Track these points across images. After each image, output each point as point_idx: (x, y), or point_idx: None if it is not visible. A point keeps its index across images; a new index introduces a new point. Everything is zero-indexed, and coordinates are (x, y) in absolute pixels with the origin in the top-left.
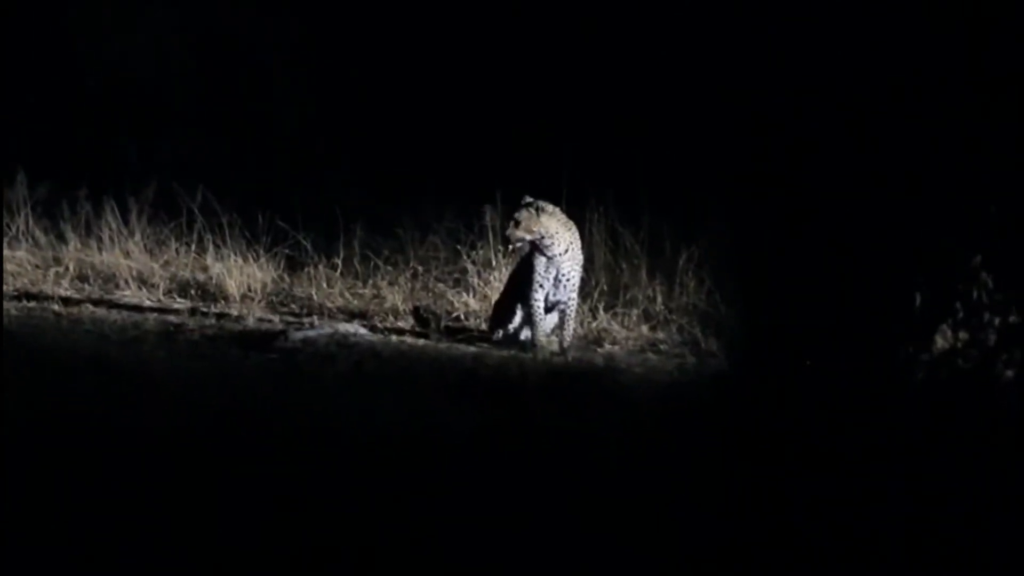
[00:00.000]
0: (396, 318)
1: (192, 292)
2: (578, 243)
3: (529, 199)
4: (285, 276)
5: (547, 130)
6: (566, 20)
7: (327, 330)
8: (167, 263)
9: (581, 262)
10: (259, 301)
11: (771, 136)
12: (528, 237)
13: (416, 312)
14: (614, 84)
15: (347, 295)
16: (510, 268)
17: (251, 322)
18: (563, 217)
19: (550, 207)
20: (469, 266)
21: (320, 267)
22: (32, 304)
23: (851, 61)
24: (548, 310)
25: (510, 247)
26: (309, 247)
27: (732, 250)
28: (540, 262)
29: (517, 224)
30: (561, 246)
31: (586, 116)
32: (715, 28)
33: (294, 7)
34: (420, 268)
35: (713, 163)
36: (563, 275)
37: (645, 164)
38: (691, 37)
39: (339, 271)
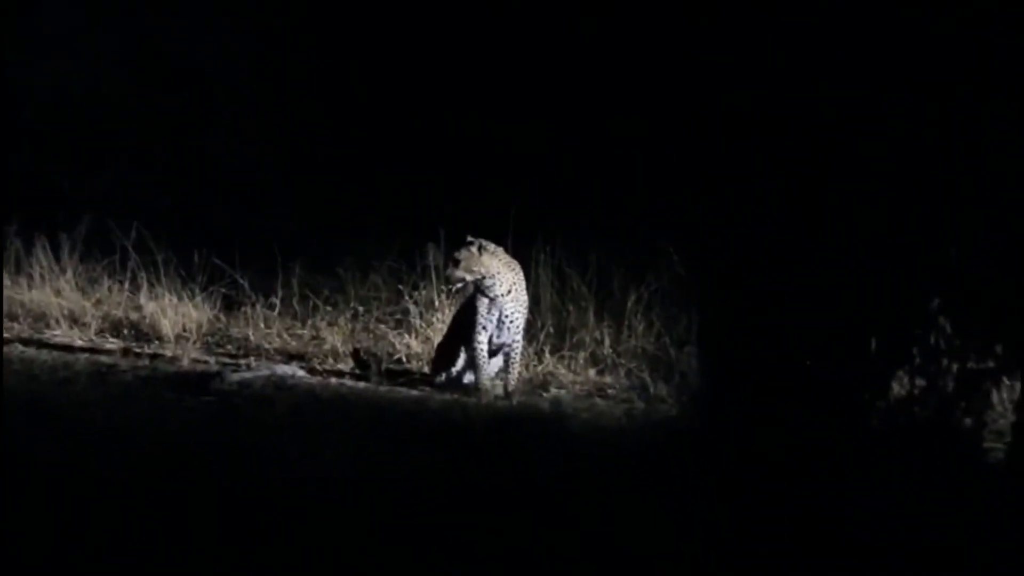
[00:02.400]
0: (336, 360)
1: (125, 332)
2: (522, 284)
3: (471, 238)
4: (221, 316)
5: (493, 167)
6: (511, 58)
7: (264, 372)
8: (99, 302)
9: (526, 303)
10: (194, 341)
11: (723, 177)
12: (469, 277)
13: (356, 354)
14: (561, 120)
15: (285, 336)
16: (453, 309)
17: (186, 363)
18: (506, 257)
19: (492, 246)
20: (411, 307)
21: (257, 307)
22: None
23: (804, 98)
24: (492, 353)
25: (452, 287)
26: (246, 286)
27: (684, 292)
28: (483, 303)
29: (457, 264)
30: (503, 287)
31: (533, 153)
32: (664, 63)
33: (237, 37)
34: (361, 308)
35: (665, 203)
36: (506, 317)
37: (593, 203)
38: (639, 74)
39: (277, 311)
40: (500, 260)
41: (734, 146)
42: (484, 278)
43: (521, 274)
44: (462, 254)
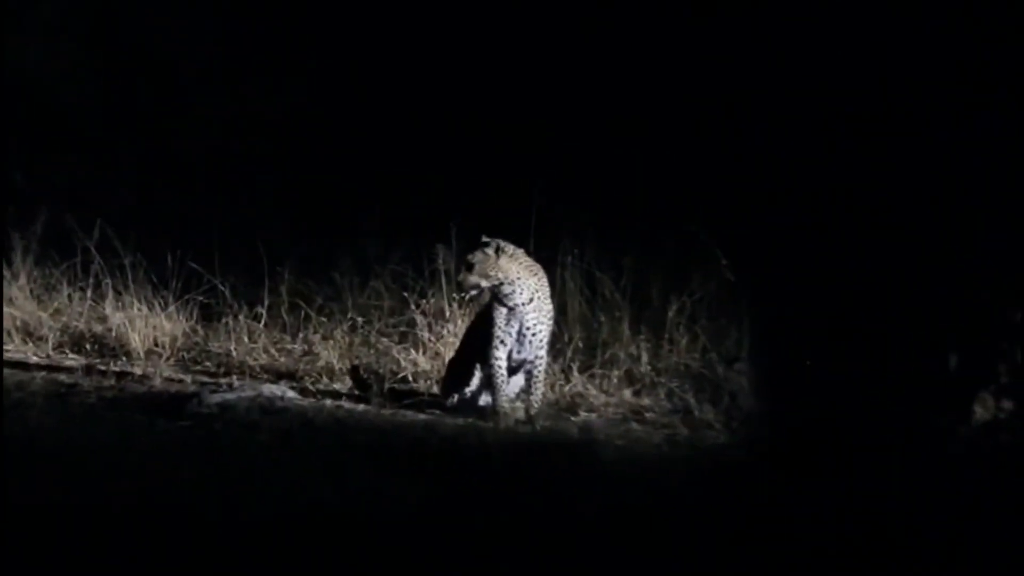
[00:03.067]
0: (331, 379)
1: (87, 347)
2: (546, 291)
3: (487, 238)
4: (199, 328)
5: (512, 157)
6: (536, 32)
7: (249, 393)
8: (58, 312)
9: (550, 314)
10: (167, 358)
11: (788, 170)
12: (485, 284)
13: (355, 372)
14: (590, 103)
15: (273, 351)
16: (467, 321)
17: (158, 383)
18: (527, 260)
19: (511, 248)
20: (418, 318)
21: (241, 317)
22: None
23: (878, 95)
24: (512, 371)
25: (465, 296)
26: (228, 293)
27: (734, 300)
28: (501, 314)
29: (471, 268)
30: (524, 294)
31: (558, 141)
32: (719, 39)
33: (215, 15)
34: (360, 319)
35: (715, 196)
36: (528, 329)
37: (628, 197)
38: (680, 55)
39: (263, 322)
40: (520, 264)
41: (797, 137)
42: (502, 284)
43: (545, 280)
44: (477, 257)
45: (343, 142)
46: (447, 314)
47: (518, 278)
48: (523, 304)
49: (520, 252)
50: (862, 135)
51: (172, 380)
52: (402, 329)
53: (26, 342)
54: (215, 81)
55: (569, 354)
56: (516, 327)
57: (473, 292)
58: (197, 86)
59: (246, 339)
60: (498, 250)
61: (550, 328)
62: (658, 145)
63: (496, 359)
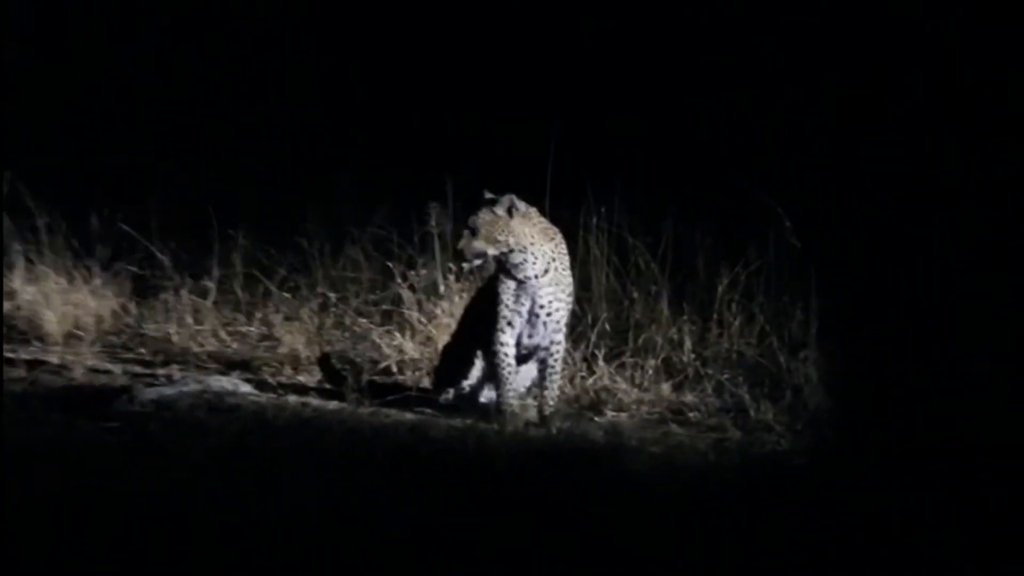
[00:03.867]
0: (296, 370)
1: None
2: (565, 260)
3: (491, 195)
4: (131, 306)
5: (523, 91)
6: None
7: (193, 386)
8: None
9: (570, 289)
10: (92, 343)
11: (862, 111)
12: (491, 251)
13: (325, 362)
14: (619, 21)
15: (223, 335)
16: (466, 297)
17: (79, 374)
18: (543, 222)
19: (523, 206)
20: (405, 293)
21: (184, 293)
22: None
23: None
24: (522, 359)
25: (465, 266)
26: (167, 262)
27: (804, 272)
28: (508, 289)
29: (475, 232)
30: (539, 264)
31: (580, 71)
32: None
33: None
34: (332, 296)
35: (775, 141)
36: (542, 308)
37: (667, 145)
38: None
39: (212, 299)
40: (535, 226)
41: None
42: (512, 252)
43: (564, 246)
44: (482, 217)
45: (309, 73)
46: (441, 289)
47: (531, 244)
48: (537, 277)
49: (533, 211)
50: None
51: (97, 371)
52: (385, 308)
53: None
54: (154, 7)
55: (593, 339)
56: (527, 305)
57: (477, 262)
58: (133, 14)
59: (190, 320)
60: (512, 209)
61: (569, 307)
62: (703, 76)
63: (502, 345)
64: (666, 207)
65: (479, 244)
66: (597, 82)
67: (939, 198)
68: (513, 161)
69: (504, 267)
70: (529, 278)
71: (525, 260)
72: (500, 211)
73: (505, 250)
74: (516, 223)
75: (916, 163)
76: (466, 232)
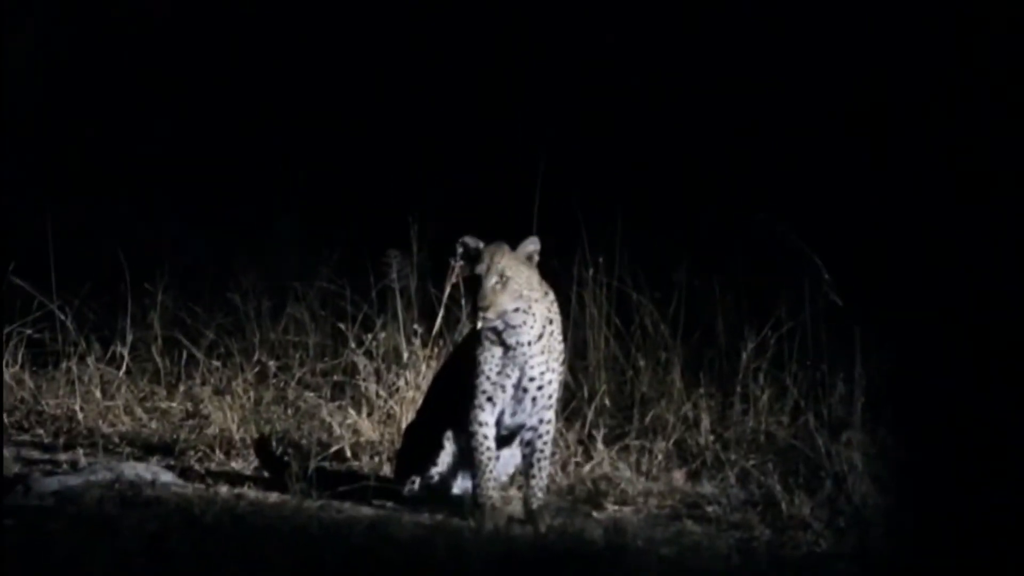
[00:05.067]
0: (228, 455)
1: None
2: (558, 322)
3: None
4: (25, 378)
5: (504, 117)
6: None
7: (103, 475)
8: None
9: (562, 356)
10: None
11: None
12: (511, 307)
13: (262, 446)
14: (617, 44)
15: (139, 412)
16: (435, 365)
17: None
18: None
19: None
20: (361, 361)
21: (90, 361)
22: None
23: None
24: (503, 441)
25: (484, 325)
26: (70, 323)
27: (847, 335)
28: (492, 356)
29: (505, 284)
30: (536, 327)
31: (572, 95)
32: None
33: None
34: (272, 364)
35: (809, 175)
36: (532, 381)
37: (674, 179)
38: None
39: (124, 368)
40: (536, 278)
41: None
42: (518, 311)
43: (556, 305)
44: (508, 263)
45: (240, 91)
46: (404, 356)
47: (535, 301)
48: (530, 343)
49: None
50: None
51: None
52: (336, 379)
53: None
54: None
55: (591, 417)
56: (515, 377)
57: (497, 324)
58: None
59: (98, 394)
60: (532, 256)
61: (561, 378)
62: (718, 94)
63: (481, 425)
64: (677, 255)
65: (506, 300)
66: (592, 101)
67: (1011, 242)
68: (490, 199)
69: (495, 328)
70: (521, 344)
71: (525, 322)
72: (523, 256)
73: (522, 307)
74: (533, 275)
75: (983, 199)
76: (494, 283)
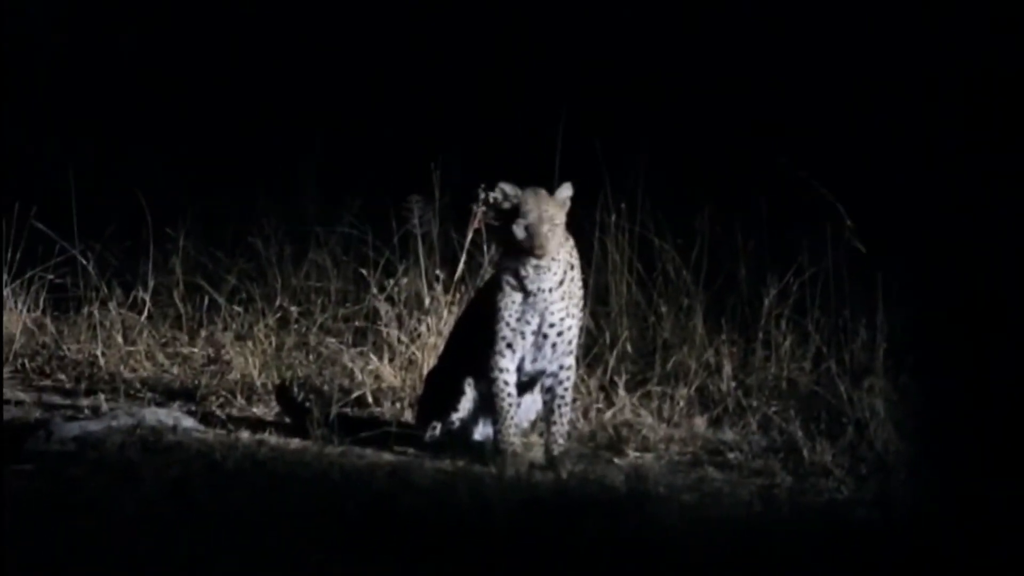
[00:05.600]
0: (250, 400)
1: None
2: (578, 267)
3: (508, 187)
4: (48, 323)
5: (523, 60)
6: None
7: (124, 421)
8: None
9: (582, 303)
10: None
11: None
12: (556, 251)
13: (283, 392)
14: None
15: (161, 358)
16: (456, 311)
17: None
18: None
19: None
20: (383, 307)
21: (112, 307)
22: None
23: None
24: (524, 387)
25: (542, 258)
26: (91, 268)
27: (870, 282)
28: (513, 303)
29: (553, 227)
30: (557, 274)
31: (593, 36)
32: None
33: None
34: (294, 310)
35: (834, 120)
36: (552, 327)
37: (699, 122)
38: None
39: (146, 313)
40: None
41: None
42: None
43: (575, 251)
44: (554, 203)
45: (263, 40)
46: (426, 302)
47: (560, 246)
48: (551, 289)
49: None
50: None
51: (7, 402)
52: (358, 324)
53: None
54: None
55: (613, 363)
56: (535, 323)
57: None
58: None
59: (120, 340)
60: (564, 203)
61: (581, 324)
62: (740, 38)
63: (502, 371)
64: (700, 201)
65: (555, 245)
66: (613, 46)
67: None
68: (512, 143)
69: (517, 274)
70: (543, 290)
71: (548, 267)
72: (561, 201)
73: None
74: (558, 214)
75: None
76: (546, 229)
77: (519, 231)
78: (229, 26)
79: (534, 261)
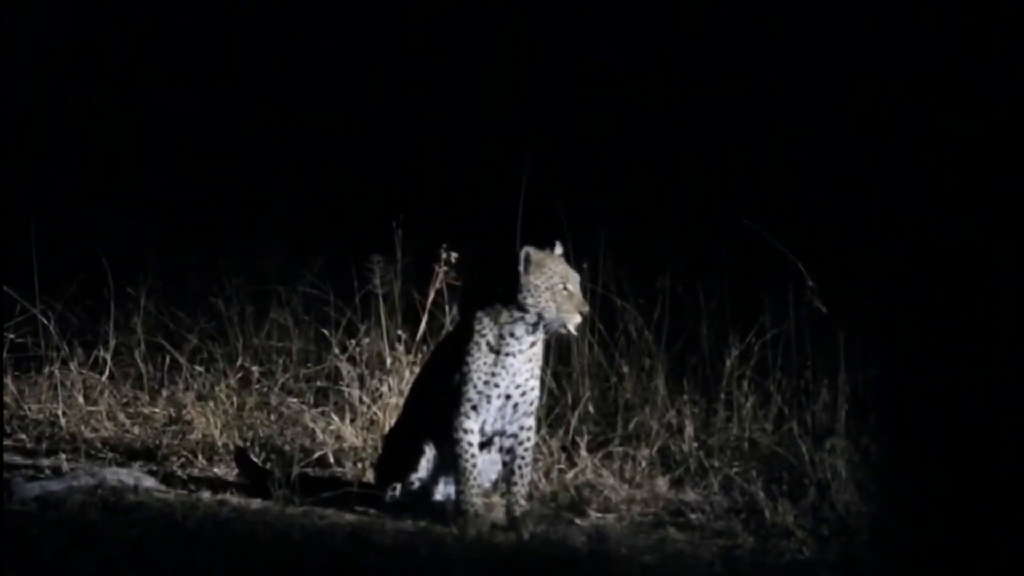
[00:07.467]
0: (211, 460)
1: None
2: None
3: (532, 250)
4: (7, 381)
5: (486, 118)
6: None
7: (85, 481)
8: None
9: (541, 361)
10: None
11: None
12: None
13: (242, 456)
14: (604, 33)
15: (122, 418)
16: (415, 369)
17: None
18: None
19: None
20: (344, 367)
21: (73, 366)
22: None
23: None
24: (482, 446)
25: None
26: (52, 328)
27: (831, 342)
28: (485, 363)
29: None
30: (532, 336)
31: (556, 94)
32: None
33: None
34: (255, 370)
35: (794, 180)
36: (518, 388)
37: (662, 179)
38: None
39: (107, 373)
40: None
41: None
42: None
43: None
44: (570, 266)
45: (226, 92)
46: (388, 362)
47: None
48: (522, 351)
49: None
50: None
51: None
52: (319, 385)
53: None
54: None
55: (574, 424)
56: (505, 383)
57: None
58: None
59: (81, 399)
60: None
61: (542, 384)
62: (704, 109)
63: (466, 432)
64: (662, 261)
65: None
66: (576, 107)
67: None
68: (473, 203)
69: (500, 336)
70: (513, 353)
71: (527, 331)
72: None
73: None
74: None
75: (965, 207)
76: (580, 288)
77: (562, 293)
78: (190, 84)
79: (530, 321)
